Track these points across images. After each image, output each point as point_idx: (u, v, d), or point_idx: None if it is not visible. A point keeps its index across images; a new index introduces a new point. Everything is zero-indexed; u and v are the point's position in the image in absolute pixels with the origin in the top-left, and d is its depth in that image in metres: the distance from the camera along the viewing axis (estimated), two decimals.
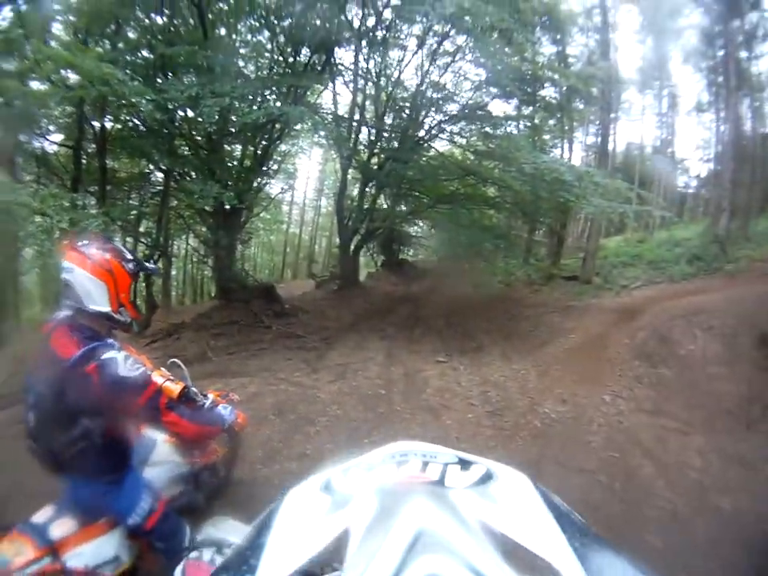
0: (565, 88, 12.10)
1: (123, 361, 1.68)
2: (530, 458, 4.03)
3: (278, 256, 25.04)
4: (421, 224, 18.43)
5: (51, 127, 9.55)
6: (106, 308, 1.79)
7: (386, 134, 12.40)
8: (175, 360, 2.40)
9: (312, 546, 0.44)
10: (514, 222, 13.96)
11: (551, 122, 15.25)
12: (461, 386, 5.99)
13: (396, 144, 12.05)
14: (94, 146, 9.49)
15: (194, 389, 2.07)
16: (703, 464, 3.85)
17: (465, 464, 0.54)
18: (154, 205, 10.85)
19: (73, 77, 7.38)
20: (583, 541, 0.45)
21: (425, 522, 0.42)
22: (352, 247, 12.75)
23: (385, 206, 13.35)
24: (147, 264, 2.12)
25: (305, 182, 25.08)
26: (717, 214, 13.58)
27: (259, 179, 11.58)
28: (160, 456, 2.23)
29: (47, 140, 9.67)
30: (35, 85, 7.77)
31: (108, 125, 9.23)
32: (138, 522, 1.86)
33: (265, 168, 11.66)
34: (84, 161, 9.55)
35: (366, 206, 12.46)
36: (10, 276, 14.84)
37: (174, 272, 18.44)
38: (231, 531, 1.08)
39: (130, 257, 1.89)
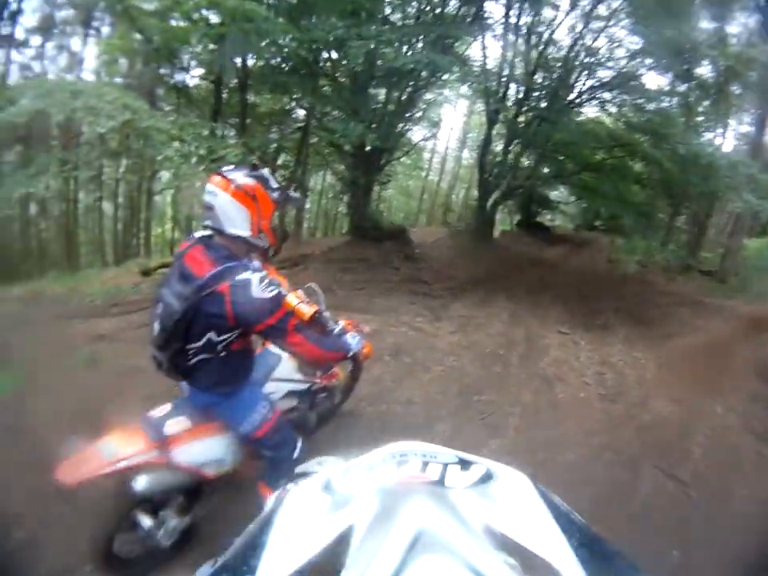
0: (723, 68, 10.57)
1: (258, 282, 1.73)
2: (631, 454, 3.76)
3: (414, 201, 24.97)
4: (562, 189, 17.54)
5: (192, 62, 9.94)
6: (245, 232, 1.86)
7: (534, 93, 11.65)
8: (312, 285, 2.45)
9: (312, 546, 0.44)
10: (658, 202, 12.68)
11: (705, 102, 13.74)
12: (579, 361, 5.71)
13: (545, 104, 11.29)
14: (235, 81, 9.73)
15: (326, 314, 2.17)
16: None
17: (465, 464, 0.54)
18: (294, 140, 11.13)
19: (214, 18, 7.60)
20: (583, 541, 0.45)
21: (425, 522, 0.42)
22: (490, 202, 12.46)
23: (527, 166, 12.72)
24: (291, 194, 2.18)
25: (448, 132, 24.66)
26: None
27: (402, 124, 11.55)
28: (282, 372, 2.34)
29: (188, 74, 10.16)
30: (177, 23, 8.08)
31: (250, 62, 9.36)
32: (250, 430, 1.98)
33: (408, 114, 11.60)
34: (225, 95, 9.90)
35: (508, 163, 11.90)
36: (144, 196, 16.44)
37: (308, 205, 18.96)
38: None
39: (275, 185, 1.94)
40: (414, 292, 7.65)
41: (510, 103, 11.57)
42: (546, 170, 13.48)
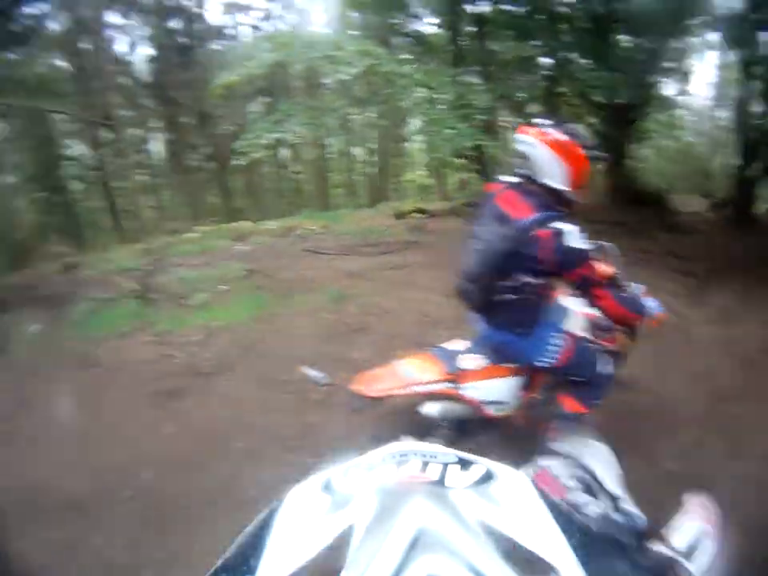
0: None
1: (575, 233, 1.82)
2: None
3: (670, 165, 21.38)
4: None
5: (423, 11, 9.81)
6: (561, 186, 1.92)
7: None
8: (609, 244, 2.35)
9: (312, 546, 0.44)
10: None
11: None
12: None
13: None
14: (471, 28, 9.42)
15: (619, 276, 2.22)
16: None
17: (465, 464, 0.54)
18: (541, 89, 10.40)
19: None
20: (583, 541, 0.46)
21: (425, 522, 0.42)
22: (750, 173, 10.23)
23: None
24: (599, 153, 2.13)
25: (701, 87, 20.79)
26: None
27: (651, 76, 9.84)
28: (568, 326, 2.24)
29: (422, 22, 10.01)
30: None
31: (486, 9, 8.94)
32: (550, 362, 2.04)
33: (657, 65, 9.81)
34: (463, 44, 9.60)
35: None
36: (394, 142, 17.44)
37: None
38: (585, 450, 1.05)
39: (590, 143, 1.98)
40: (672, 268, 6.59)
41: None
42: None
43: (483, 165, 9.00)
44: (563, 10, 8.35)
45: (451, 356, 2.08)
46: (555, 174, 1.90)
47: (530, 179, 1.94)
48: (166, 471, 2.67)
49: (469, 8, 8.79)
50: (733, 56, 11.06)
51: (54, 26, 12.99)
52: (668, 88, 13.54)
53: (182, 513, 2.36)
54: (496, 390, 2.09)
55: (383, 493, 0.49)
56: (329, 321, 4.48)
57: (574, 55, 8.73)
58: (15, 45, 11.79)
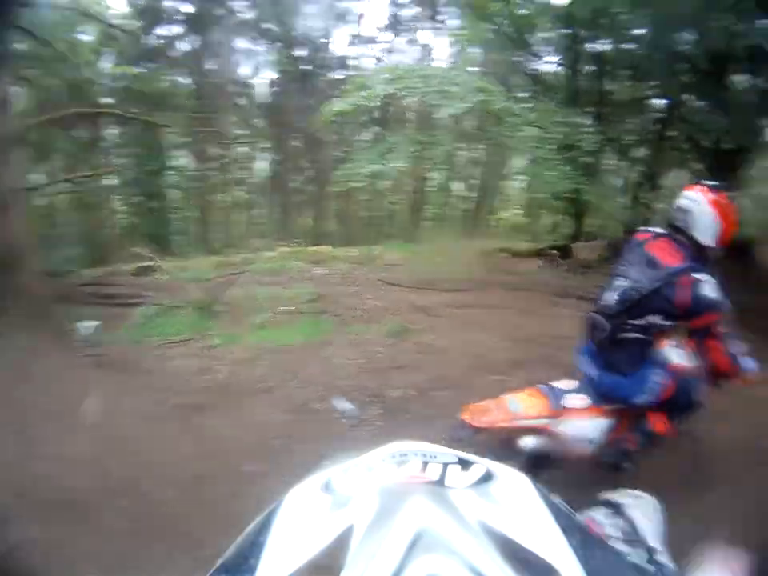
0: None
1: (713, 284, 2.01)
2: None
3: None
4: None
5: (544, 49, 9.79)
6: (710, 242, 2.13)
7: None
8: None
9: (312, 546, 0.44)
10: None
11: None
12: None
13: None
14: (591, 67, 9.36)
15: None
16: None
17: (465, 464, 0.54)
18: (653, 132, 9.85)
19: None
20: (583, 541, 0.46)
21: (425, 522, 0.43)
22: None
23: None
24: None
25: None
26: None
27: (764, 120, 9.04)
28: (672, 361, 2.33)
29: (542, 60, 9.95)
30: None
31: (606, 47, 8.75)
32: (653, 397, 2.17)
33: None
34: (581, 82, 9.54)
35: None
36: (494, 178, 17.15)
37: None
38: (632, 501, 1.03)
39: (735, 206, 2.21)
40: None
41: None
42: None
43: (578, 208, 8.48)
44: (683, 48, 7.82)
45: (558, 394, 2.18)
46: (709, 231, 2.11)
47: (682, 231, 2.14)
48: (167, 484, 2.65)
49: (589, 46, 8.69)
50: None
51: (184, 46, 14.44)
52: None
53: (168, 524, 2.35)
54: (586, 430, 2.18)
55: (383, 493, 0.48)
56: (379, 355, 4.37)
57: (688, 97, 8.37)
58: (144, 60, 13.21)
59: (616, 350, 2.20)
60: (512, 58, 9.64)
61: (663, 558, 0.94)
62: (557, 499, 0.53)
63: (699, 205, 2.10)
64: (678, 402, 2.25)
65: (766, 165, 14.44)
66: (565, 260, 8.75)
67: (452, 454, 0.56)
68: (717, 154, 8.07)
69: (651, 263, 2.13)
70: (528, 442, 2.13)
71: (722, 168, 8.12)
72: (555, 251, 9.12)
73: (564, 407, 2.14)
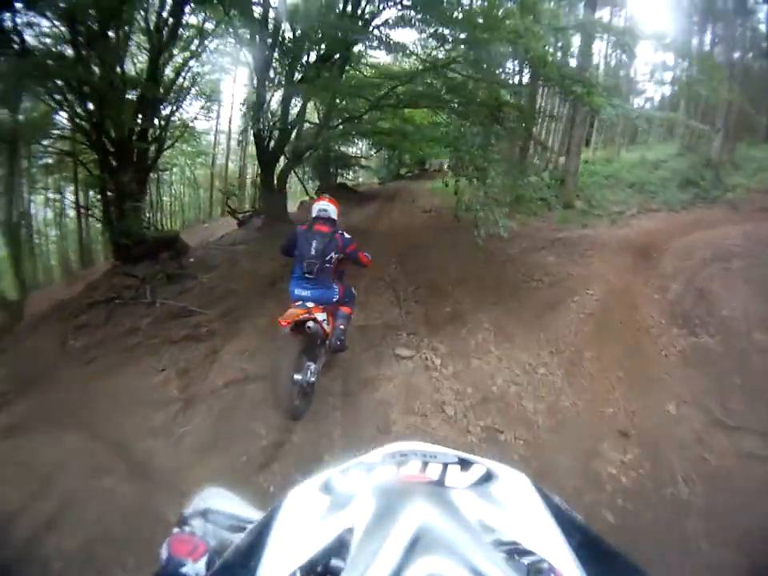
0: None
1: (348, 235, 4.10)
2: None
3: (206, 192, 21.99)
4: (360, 144, 17.63)
5: None
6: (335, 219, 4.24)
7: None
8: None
9: (312, 546, 0.45)
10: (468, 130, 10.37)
11: None
12: (442, 396, 4.28)
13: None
14: None
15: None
16: None
17: (465, 464, 0.55)
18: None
19: None
20: (583, 541, 0.46)
21: (425, 522, 0.43)
22: (276, 173, 10.52)
23: (316, 124, 11.07)
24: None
25: (230, 105, 21.06)
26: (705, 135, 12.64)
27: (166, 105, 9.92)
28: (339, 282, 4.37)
29: None
30: None
31: None
32: (339, 298, 4.13)
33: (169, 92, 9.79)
34: None
35: (290, 123, 10.01)
36: None
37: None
38: (219, 500, 0.91)
39: None
40: (170, 339, 5.40)
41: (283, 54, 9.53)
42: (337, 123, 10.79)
43: None
44: None
45: (305, 304, 3.89)
46: (335, 214, 4.26)
47: (327, 218, 4.21)
48: None
49: None
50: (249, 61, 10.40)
51: None
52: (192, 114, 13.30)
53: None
54: (322, 315, 3.96)
55: (383, 493, 0.49)
56: None
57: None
58: None
59: (319, 277, 3.93)
60: None
61: None
62: (557, 499, 0.53)
63: (331, 206, 4.16)
64: (347, 296, 4.28)
65: (186, 148, 16.31)
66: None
67: (452, 454, 0.58)
68: (115, 152, 8.37)
69: (320, 234, 3.96)
70: (311, 325, 3.76)
71: (126, 165, 8.55)
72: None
73: (310, 308, 3.84)
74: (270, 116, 9.88)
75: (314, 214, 4.08)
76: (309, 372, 3.78)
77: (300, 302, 3.86)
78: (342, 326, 4.10)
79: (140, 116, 8.54)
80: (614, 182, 11.94)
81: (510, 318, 5.55)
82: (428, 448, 0.61)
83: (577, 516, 0.51)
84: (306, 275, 3.88)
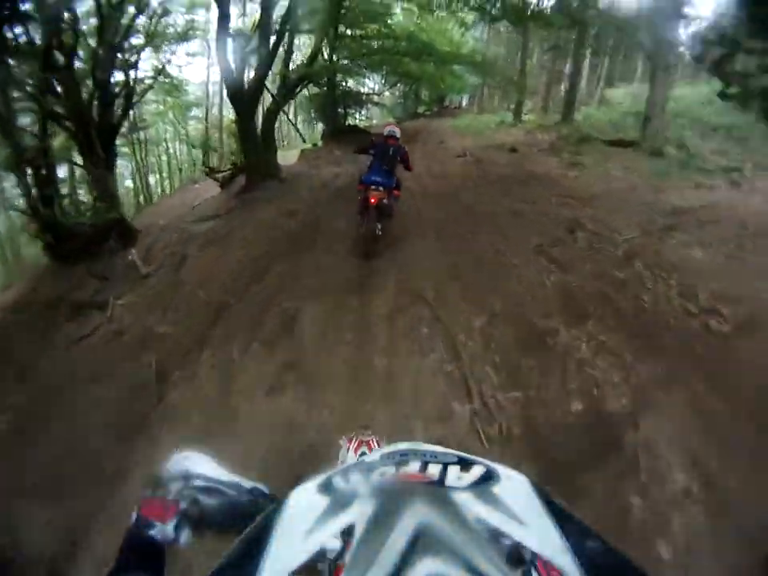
0: None
1: (406, 148, 6.25)
2: None
3: (197, 151, 19.35)
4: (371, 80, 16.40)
5: None
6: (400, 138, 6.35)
7: None
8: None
9: (312, 547, 0.44)
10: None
11: None
12: None
13: None
14: None
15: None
16: None
17: (465, 464, 0.54)
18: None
19: None
20: (583, 541, 0.45)
21: (425, 523, 0.42)
22: (259, 118, 8.66)
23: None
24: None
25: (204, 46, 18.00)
26: None
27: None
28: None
29: None
30: None
31: None
32: (394, 184, 5.92)
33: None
34: None
35: (270, 46, 8.12)
36: None
37: None
38: (198, 464, 0.87)
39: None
40: None
41: None
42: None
43: None
44: None
45: (379, 188, 5.68)
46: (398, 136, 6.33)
47: (393, 136, 6.25)
48: None
49: None
50: None
51: None
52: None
53: None
54: (384, 194, 5.68)
55: (383, 493, 0.48)
56: None
57: None
58: None
59: (390, 170, 5.81)
60: None
61: None
62: (557, 499, 0.52)
63: (396, 129, 6.14)
64: (398, 185, 5.98)
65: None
66: None
67: (452, 454, 0.57)
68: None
69: (392, 145, 5.91)
70: (385, 201, 5.64)
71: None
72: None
73: (383, 191, 5.62)
74: (241, 35, 7.51)
75: (385, 134, 6.03)
76: (377, 228, 5.76)
77: (374, 186, 5.62)
78: (393, 203, 5.94)
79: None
80: (694, 123, 9.29)
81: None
82: (428, 448, 0.61)
83: (577, 516, 0.51)
84: (384, 168, 5.79)
